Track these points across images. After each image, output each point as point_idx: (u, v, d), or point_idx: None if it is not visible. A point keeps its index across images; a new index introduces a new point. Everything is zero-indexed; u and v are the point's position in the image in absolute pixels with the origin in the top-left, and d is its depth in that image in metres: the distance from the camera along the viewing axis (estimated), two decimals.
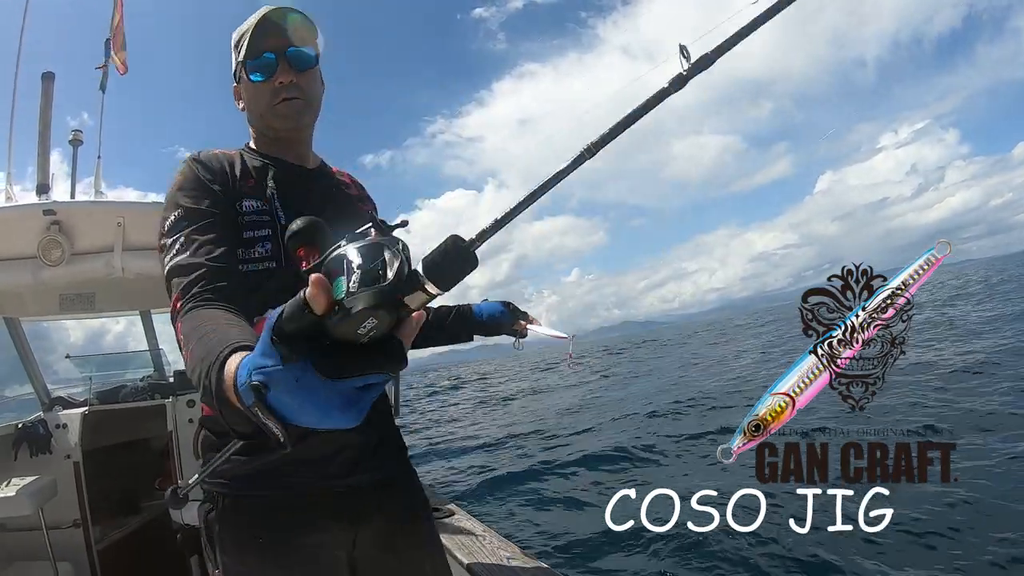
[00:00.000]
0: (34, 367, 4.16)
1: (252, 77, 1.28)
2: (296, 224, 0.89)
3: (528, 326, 1.70)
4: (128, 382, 4.60)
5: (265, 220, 1.21)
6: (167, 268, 1.09)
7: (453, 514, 2.22)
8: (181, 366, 4.76)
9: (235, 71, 1.33)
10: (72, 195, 3.30)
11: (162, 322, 4.95)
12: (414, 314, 0.61)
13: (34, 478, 3.15)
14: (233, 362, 0.72)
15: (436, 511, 2.22)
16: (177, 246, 1.09)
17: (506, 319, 1.69)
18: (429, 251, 0.64)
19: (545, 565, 1.70)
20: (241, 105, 1.36)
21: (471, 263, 0.64)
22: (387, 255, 0.61)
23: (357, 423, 0.62)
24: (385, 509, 1.32)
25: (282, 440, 0.63)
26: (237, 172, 1.25)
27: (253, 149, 1.36)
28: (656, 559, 4.93)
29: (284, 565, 1.18)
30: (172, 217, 1.14)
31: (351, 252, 0.61)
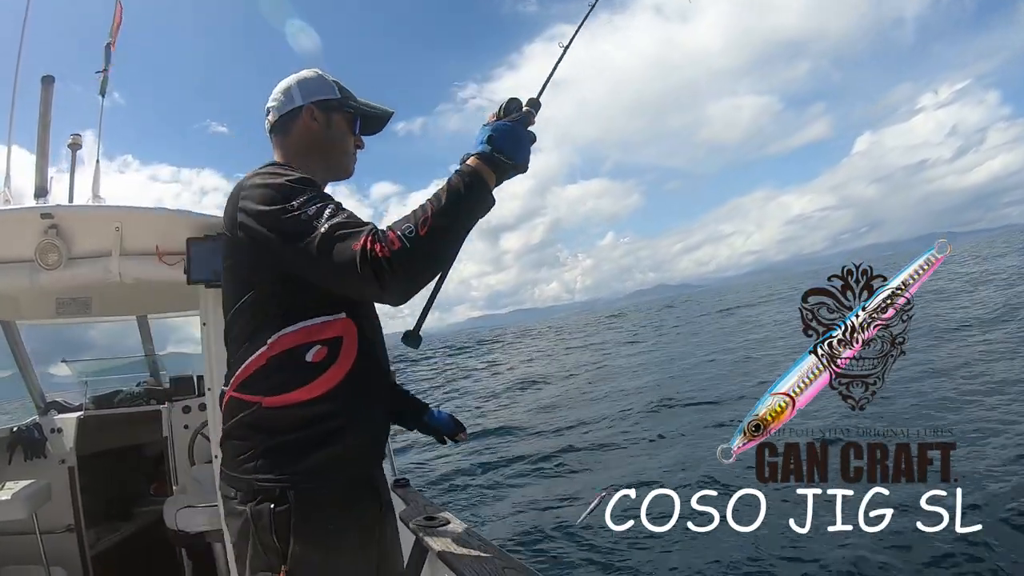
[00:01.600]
0: (30, 371, 4.15)
1: (360, 131, 1.61)
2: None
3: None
4: (124, 387, 4.59)
5: None
6: (327, 227, 1.20)
7: (448, 523, 2.20)
8: (176, 372, 4.76)
9: (350, 108, 1.58)
10: (70, 199, 3.29)
11: (158, 327, 4.95)
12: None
13: (28, 482, 3.14)
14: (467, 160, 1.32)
15: (431, 519, 2.20)
16: (328, 210, 1.24)
17: (448, 430, 1.86)
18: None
19: (541, 575, 1.68)
20: (317, 125, 1.54)
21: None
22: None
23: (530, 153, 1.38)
24: (387, 494, 1.56)
25: (509, 163, 1.32)
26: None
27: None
28: (655, 559, 4.93)
29: (356, 546, 1.35)
30: (302, 199, 1.26)
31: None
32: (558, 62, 1.67)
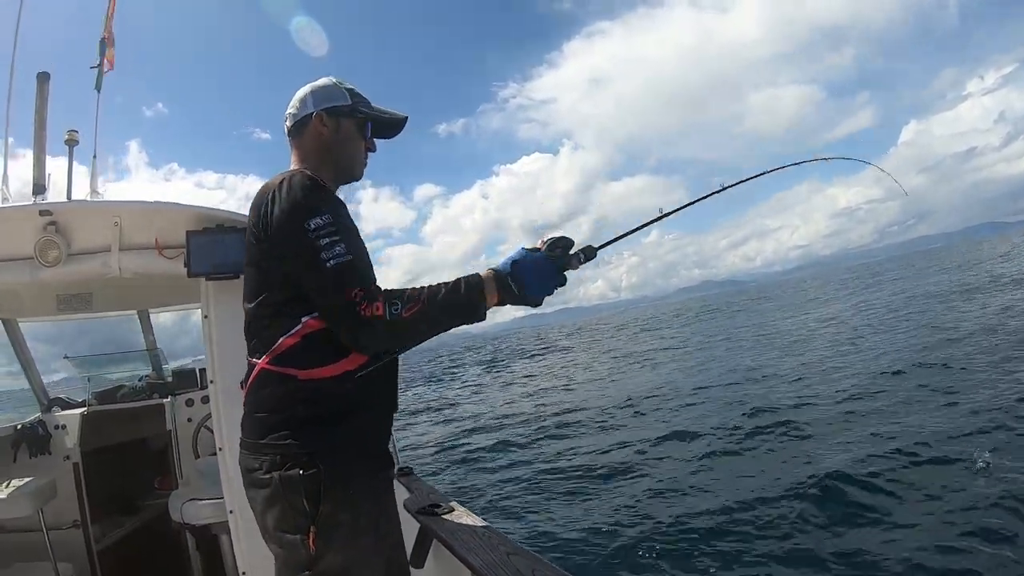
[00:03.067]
0: (32, 368, 4.15)
1: (373, 137, 1.71)
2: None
3: None
4: (126, 382, 4.60)
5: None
6: (331, 265, 1.33)
7: (453, 511, 2.22)
8: (177, 365, 4.77)
9: (363, 116, 1.68)
10: (68, 195, 3.29)
11: (159, 321, 4.95)
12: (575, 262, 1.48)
13: (33, 479, 3.15)
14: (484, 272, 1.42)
15: (437, 507, 2.22)
16: (338, 248, 1.35)
17: None
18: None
19: (545, 560, 1.69)
20: (326, 130, 1.63)
21: (594, 256, 1.52)
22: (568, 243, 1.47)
23: (547, 296, 1.44)
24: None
25: (517, 293, 1.39)
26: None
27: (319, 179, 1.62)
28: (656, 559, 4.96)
29: (384, 506, 1.50)
30: (318, 220, 1.37)
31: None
32: (639, 227, 1.70)
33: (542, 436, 10.42)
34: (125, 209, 2.98)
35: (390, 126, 1.76)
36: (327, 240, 1.35)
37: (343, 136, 1.65)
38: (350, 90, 1.67)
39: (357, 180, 1.72)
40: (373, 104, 1.71)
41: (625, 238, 1.63)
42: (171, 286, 3.45)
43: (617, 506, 6.23)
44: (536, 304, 1.42)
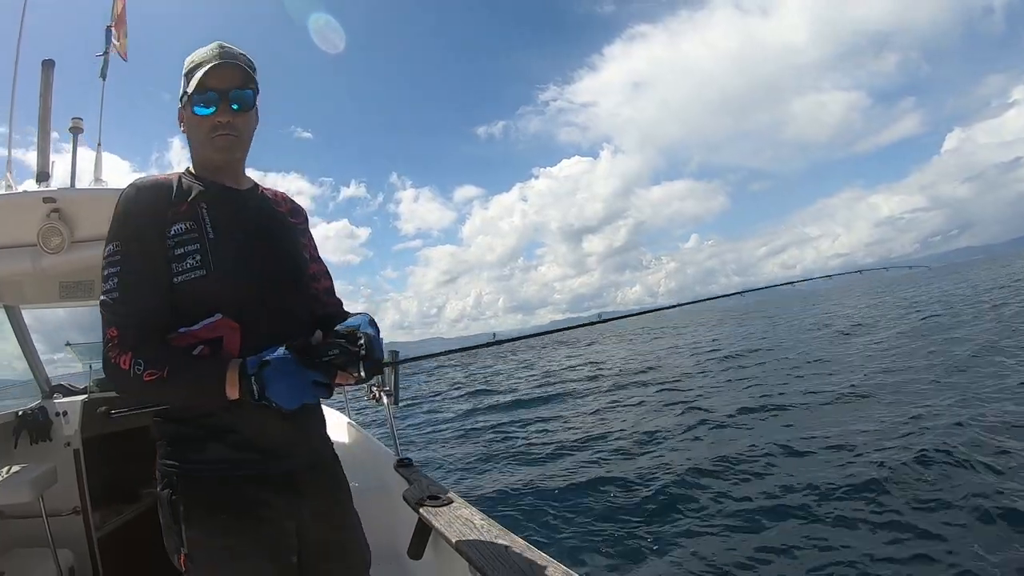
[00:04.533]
0: (34, 355, 4.16)
1: (196, 110, 1.46)
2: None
3: None
4: None
5: (194, 236, 1.41)
6: (101, 300, 1.34)
7: (451, 502, 2.22)
8: None
9: (181, 97, 1.50)
10: (72, 183, 3.29)
11: None
12: (341, 376, 1.33)
13: (34, 465, 3.16)
14: (234, 361, 1.29)
15: (434, 499, 2.22)
16: (111, 283, 1.34)
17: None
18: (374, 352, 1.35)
19: (543, 553, 1.70)
20: (183, 128, 1.54)
21: (379, 372, 1.55)
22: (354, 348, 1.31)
23: (297, 405, 1.26)
24: (320, 488, 1.54)
25: (256, 397, 1.24)
26: (172, 198, 1.44)
27: (191, 173, 1.53)
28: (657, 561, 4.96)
29: (245, 531, 1.35)
30: (110, 247, 1.37)
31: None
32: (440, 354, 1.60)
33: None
34: None
35: (206, 79, 1.43)
36: (106, 271, 1.35)
37: (187, 123, 1.53)
38: (184, 73, 1.49)
39: (218, 160, 1.52)
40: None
41: (432, 358, 1.55)
42: None
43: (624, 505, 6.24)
44: (289, 407, 1.25)
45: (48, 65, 3.31)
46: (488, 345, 1.63)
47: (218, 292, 1.38)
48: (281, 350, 1.26)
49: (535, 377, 21.92)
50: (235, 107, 1.47)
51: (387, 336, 1.37)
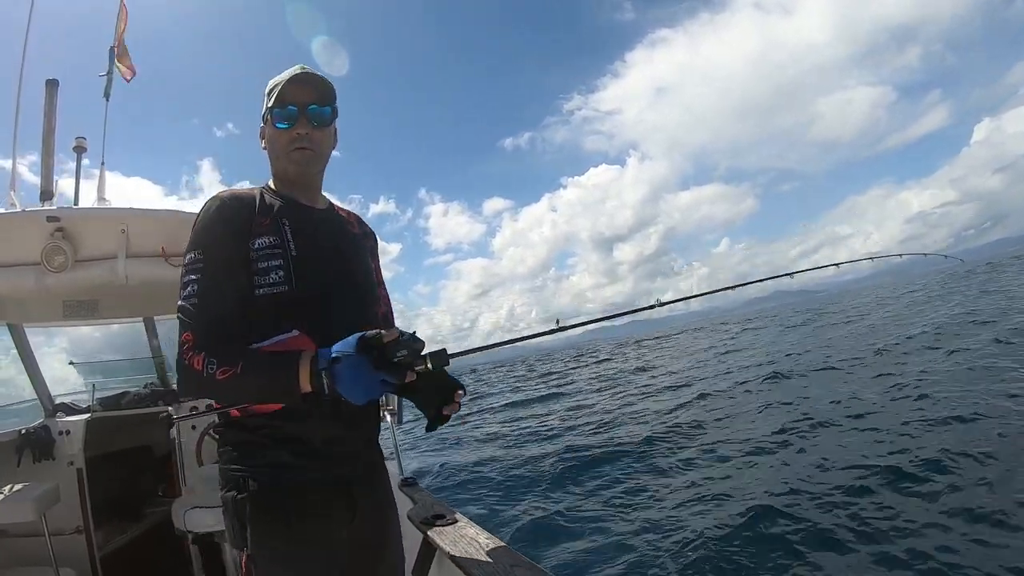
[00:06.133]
0: (37, 373, 4.16)
1: (277, 124, 1.52)
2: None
3: None
4: (131, 388, 4.60)
5: (277, 252, 1.44)
6: (179, 305, 1.38)
7: (456, 521, 2.21)
8: None
9: (264, 114, 1.56)
10: (76, 202, 3.31)
11: (165, 329, 4.96)
12: (411, 372, 1.24)
13: (37, 484, 3.15)
14: (305, 355, 1.26)
15: (440, 518, 2.21)
16: (190, 288, 1.37)
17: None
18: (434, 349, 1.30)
19: (551, 573, 1.68)
20: (264, 144, 1.59)
21: (445, 363, 1.31)
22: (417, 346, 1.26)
23: (364, 401, 1.21)
24: (373, 494, 1.60)
25: (326, 392, 1.22)
26: (256, 210, 1.48)
27: (272, 189, 1.58)
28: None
29: (306, 537, 1.40)
30: (192, 255, 1.41)
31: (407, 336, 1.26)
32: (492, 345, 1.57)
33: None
34: (132, 216, 2.99)
35: (286, 94, 1.51)
36: (186, 278, 1.39)
37: (267, 138, 1.58)
38: (268, 92, 1.55)
39: (296, 173, 1.56)
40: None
41: (481, 351, 1.54)
42: (177, 294, 3.45)
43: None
44: (357, 403, 1.23)
45: (52, 85, 3.34)
46: (550, 332, 1.60)
47: (297, 307, 1.42)
48: (353, 340, 1.25)
49: (546, 384, 21.79)
50: (314, 124, 1.52)
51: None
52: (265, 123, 1.57)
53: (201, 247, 1.40)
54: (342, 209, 1.75)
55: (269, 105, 1.52)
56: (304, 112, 1.51)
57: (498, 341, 1.56)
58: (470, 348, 1.47)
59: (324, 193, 1.70)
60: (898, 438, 6.92)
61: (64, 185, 3.39)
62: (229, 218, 1.44)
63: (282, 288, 1.41)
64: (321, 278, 1.48)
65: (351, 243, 1.67)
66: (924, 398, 8.57)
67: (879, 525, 4.86)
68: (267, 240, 1.44)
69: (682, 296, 1.99)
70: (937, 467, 5.80)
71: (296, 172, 1.56)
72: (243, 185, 1.63)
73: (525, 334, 1.68)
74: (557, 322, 1.61)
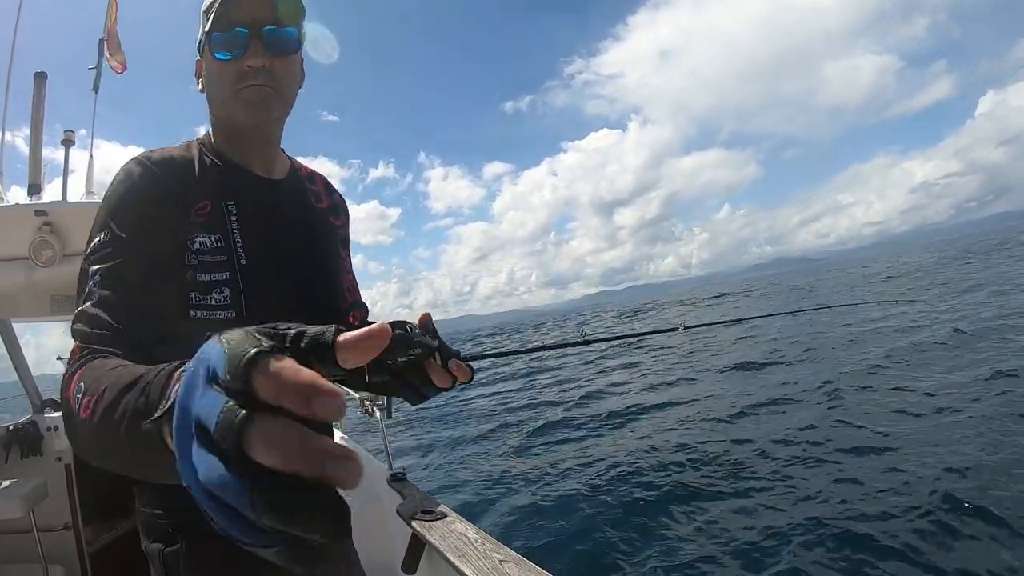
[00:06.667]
0: (25, 369, 4.14)
1: (217, 54, 1.06)
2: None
3: None
4: None
5: (222, 260, 1.04)
6: (77, 311, 0.95)
7: (445, 516, 2.21)
8: None
9: (199, 42, 1.11)
10: (64, 196, 3.29)
11: None
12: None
13: (25, 480, 3.14)
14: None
15: (427, 513, 2.21)
16: (90, 284, 0.95)
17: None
18: None
19: (539, 568, 1.69)
20: (201, 86, 1.15)
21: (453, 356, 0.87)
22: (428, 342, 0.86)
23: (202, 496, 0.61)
24: (335, 549, 1.25)
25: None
26: (196, 180, 1.08)
27: (212, 146, 1.16)
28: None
29: None
30: (100, 238, 0.96)
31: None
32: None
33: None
34: None
35: (230, 10, 1.04)
36: (86, 271, 0.97)
37: (208, 73, 1.12)
38: (204, 11, 1.08)
39: (250, 120, 1.09)
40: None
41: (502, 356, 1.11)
42: None
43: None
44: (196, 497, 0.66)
45: (40, 78, 3.31)
46: (573, 344, 1.18)
47: None
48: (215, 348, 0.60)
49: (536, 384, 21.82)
50: (271, 51, 1.06)
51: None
52: (202, 55, 1.11)
53: (109, 229, 0.96)
54: (305, 169, 1.36)
55: (206, 29, 1.06)
56: (258, 35, 1.05)
57: (517, 349, 1.48)
58: (488, 352, 0.98)
59: (285, 152, 1.29)
60: None
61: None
62: (159, 193, 1.02)
63: (226, 315, 1.02)
64: (279, 300, 1.09)
65: (319, 232, 1.28)
66: None
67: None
68: (208, 241, 1.04)
69: (704, 323, 1.96)
70: None
71: (248, 120, 1.09)
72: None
73: (535, 337, 1.65)
74: (582, 334, 1.33)
